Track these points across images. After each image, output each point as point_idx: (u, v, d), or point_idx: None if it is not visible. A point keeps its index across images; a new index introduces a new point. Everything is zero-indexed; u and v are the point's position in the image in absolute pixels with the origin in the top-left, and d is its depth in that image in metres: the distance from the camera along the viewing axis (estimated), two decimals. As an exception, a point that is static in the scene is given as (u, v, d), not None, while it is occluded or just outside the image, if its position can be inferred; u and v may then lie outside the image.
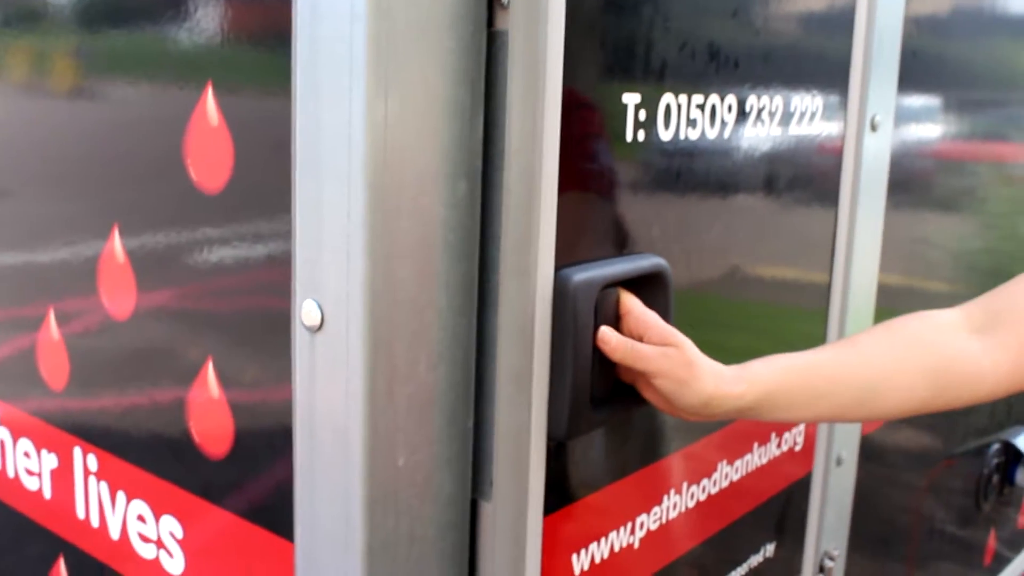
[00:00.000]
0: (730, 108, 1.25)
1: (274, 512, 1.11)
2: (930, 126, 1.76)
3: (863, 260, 1.58)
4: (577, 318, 1.07)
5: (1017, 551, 2.48)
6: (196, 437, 1.18)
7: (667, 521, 1.32)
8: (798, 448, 1.56)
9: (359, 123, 0.94)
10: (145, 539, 1.28)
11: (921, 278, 1.85)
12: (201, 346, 1.16)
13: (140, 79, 1.20)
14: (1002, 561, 2.40)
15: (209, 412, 1.16)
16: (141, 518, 1.28)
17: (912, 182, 1.72)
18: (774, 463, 1.51)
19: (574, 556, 1.18)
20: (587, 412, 1.10)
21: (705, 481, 1.37)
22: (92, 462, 1.33)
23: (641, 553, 1.28)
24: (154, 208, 1.20)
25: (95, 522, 1.35)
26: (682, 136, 1.19)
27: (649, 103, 1.14)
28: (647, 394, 1.12)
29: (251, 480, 1.14)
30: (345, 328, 0.98)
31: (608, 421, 1.16)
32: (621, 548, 1.24)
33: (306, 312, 1.01)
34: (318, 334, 1.01)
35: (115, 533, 1.32)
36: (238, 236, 1.10)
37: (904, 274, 1.75)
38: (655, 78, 1.15)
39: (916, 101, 1.66)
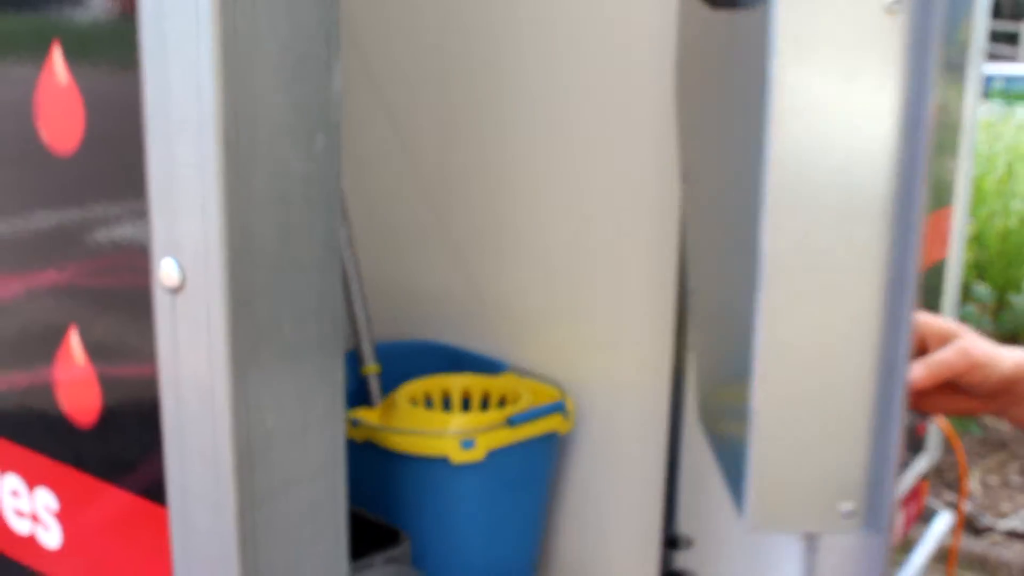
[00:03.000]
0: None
1: (147, 478, 1.09)
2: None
3: None
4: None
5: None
6: (64, 406, 1.15)
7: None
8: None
9: (208, 74, 0.92)
10: (20, 514, 1.25)
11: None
12: (63, 312, 1.13)
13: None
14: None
15: (75, 380, 1.13)
16: (15, 493, 1.25)
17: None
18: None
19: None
20: None
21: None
22: (-39, 438, 1.30)
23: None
24: (6, 173, 1.16)
25: (-32, 500, 1.31)
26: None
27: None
28: (949, 404, 0.99)
29: (122, 447, 1.11)
30: (205, 287, 0.96)
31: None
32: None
33: (165, 272, 0.99)
34: (179, 295, 0.99)
35: (-11, 510, 1.29)
36: (94, 198, 1.07)
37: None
38: None
39: None
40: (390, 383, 1.82)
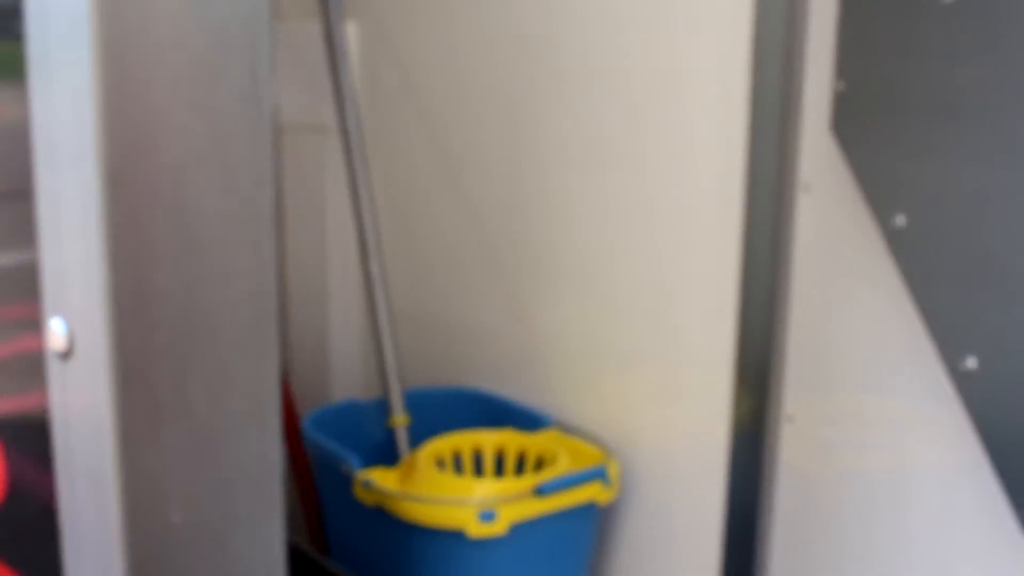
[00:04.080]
0: None
1: None
2: None
3: None
4: None
5: None
6: (-23, 479, 0.99)
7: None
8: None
9: (87, 90, 0.74)
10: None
11: None
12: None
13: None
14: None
15: (-16, 451, 0.97)
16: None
17: None
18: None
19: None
20: None
21: None
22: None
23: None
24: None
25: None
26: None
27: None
28: None
29: (27, 536, 0.95)
30: (92, 352, 0.78)
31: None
32: None
33: (53, 333, 0.81)
34: (69, 361, 0.81)
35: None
36: (-4, 240, 0.91)
37: None
38: None
39: None
40: (423, 434, 1.63)
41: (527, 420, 1.63)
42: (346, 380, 1.92)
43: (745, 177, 1.35)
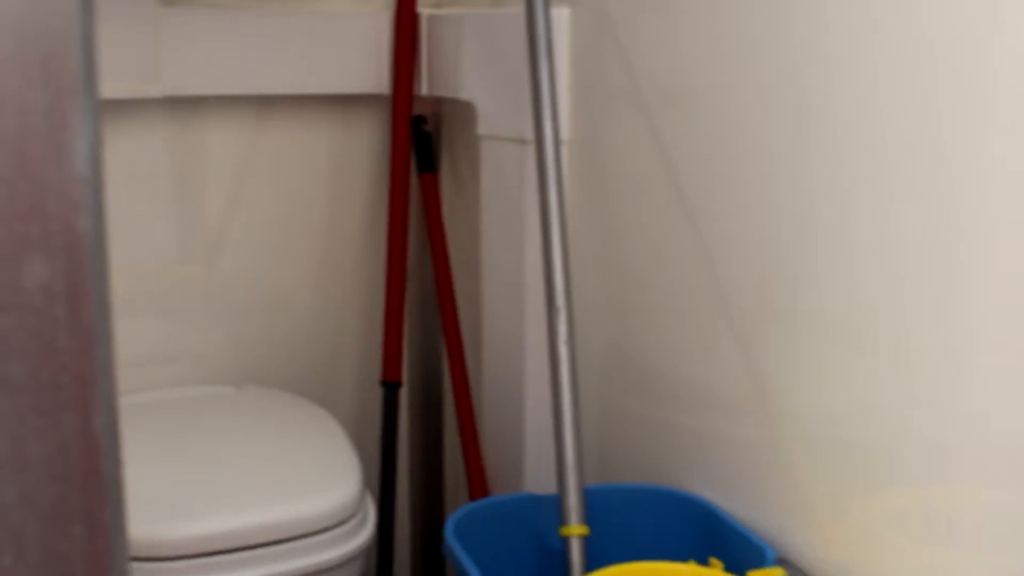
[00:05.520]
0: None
1: None
2: None
3: None
4: None
5: None
6: None
7: None
8: None
9: None
10: None
11: None
12: None
13: None
14: None
15: None
16: None
17: None
18: None
19: None
20: None
21: None
22: None
23: None
24: None
25: None
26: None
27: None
28: None
29: None
30: None
31: None
32: None
33: None
34: None
35: None
36: None
37: None
38: None
39: None
40: (608, 546, 1.25)
41: (744, 550, 1.20)
42: (543, 461, 1.55)
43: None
